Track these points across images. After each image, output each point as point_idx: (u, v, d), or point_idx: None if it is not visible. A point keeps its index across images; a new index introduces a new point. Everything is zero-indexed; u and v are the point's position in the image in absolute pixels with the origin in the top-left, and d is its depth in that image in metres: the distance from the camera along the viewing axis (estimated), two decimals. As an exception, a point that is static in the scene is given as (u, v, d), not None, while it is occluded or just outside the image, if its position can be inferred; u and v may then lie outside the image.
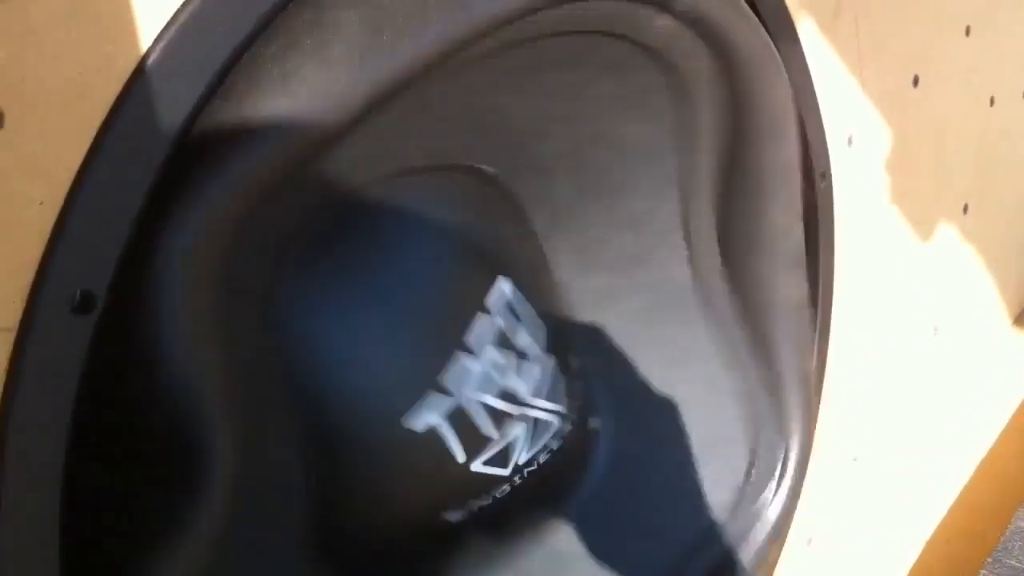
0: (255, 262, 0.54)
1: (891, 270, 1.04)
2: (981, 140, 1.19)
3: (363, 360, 0.60)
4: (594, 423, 0.79)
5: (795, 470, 0.84)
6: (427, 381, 0.62)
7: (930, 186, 1.09)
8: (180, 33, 0.42)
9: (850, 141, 0.88)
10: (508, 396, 0.67)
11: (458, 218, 0.68)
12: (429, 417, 0.61)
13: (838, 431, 1.01)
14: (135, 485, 0.47)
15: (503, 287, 0.69)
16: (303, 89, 0.45)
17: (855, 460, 1.10)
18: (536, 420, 0.69)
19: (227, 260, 0.47)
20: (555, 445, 0.71)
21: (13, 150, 0.38)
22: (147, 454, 0.47)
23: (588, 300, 0.78)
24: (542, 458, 0.69)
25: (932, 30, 1.00)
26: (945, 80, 1.04)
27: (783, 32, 0.74)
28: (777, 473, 0.83)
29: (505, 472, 0.66)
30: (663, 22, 0.62)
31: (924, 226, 1.09)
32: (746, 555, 0.81)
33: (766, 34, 0.70)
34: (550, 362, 0.72)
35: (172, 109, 0.42)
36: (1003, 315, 1.49)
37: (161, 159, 0.42)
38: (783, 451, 0.83)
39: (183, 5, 0.42)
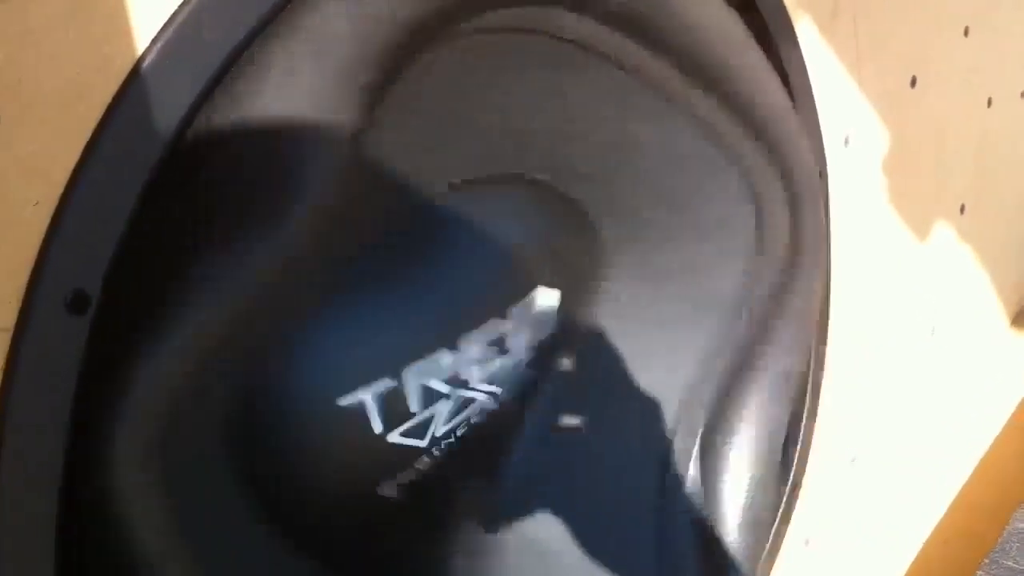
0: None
1: (888, 271, 1.04)
2: (979, 141, 1.19)
3: (329, 345, 0.61)
4: (568, 420, 0.80)
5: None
6: (387, 370, 0.62)
7: (928, 186, 1.09)
8: (177, 34, 0.42)
9: (847, 141, 0.88)
10: (457, 382, 0.67)
11: (496, 228, 0.69)
12: (361, 395, 0.61)
13: (836, 431, 1.01)
14: None
15: (536, 298, 0.70)
16: (303, 89, 0.45)
17: (853, 460, 1.10)
18: (464, 398, 0.69)
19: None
20: (477, 420, 0.71)
21: (9, 150, 0.38)
22: None
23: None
24: (460, 431, 0.69)
25: (931, 30, 1.00)
26: (943, 80, 1.04)
27: (781, 32, 0.75)
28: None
29: (422, 443, 0.66)
30: None
31: (922, 226, 1.09)
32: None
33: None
34: (525, 357, 0.72)
35: (169, 110, 0.42)
36: (1001, 315, 1.49)
37: (156, 160, 0.42)
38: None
39: (180, 6, 0.42)
